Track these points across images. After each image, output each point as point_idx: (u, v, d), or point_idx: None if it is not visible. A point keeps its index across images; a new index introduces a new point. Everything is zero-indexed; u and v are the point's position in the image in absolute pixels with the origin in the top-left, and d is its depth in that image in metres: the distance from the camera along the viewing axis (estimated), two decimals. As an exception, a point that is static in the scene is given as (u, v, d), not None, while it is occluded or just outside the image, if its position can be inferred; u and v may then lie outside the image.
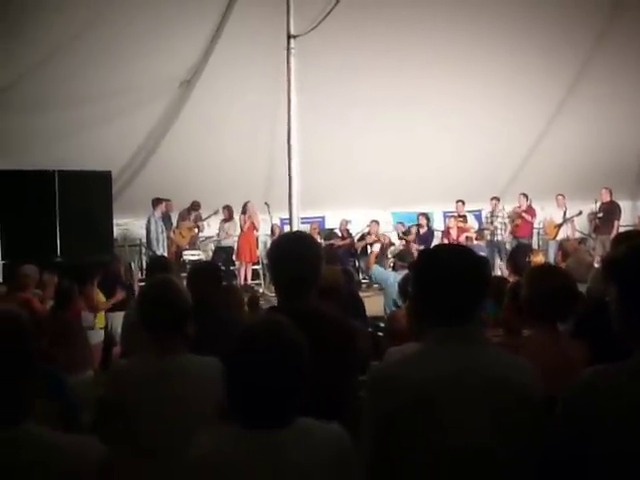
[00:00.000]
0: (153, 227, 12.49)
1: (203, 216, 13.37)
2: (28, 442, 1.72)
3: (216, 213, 13.33)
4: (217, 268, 5.25)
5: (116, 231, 12.20)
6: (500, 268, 12.41)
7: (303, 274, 2.62)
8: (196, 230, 13.39)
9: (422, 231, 14.16)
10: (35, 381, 1.82)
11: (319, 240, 11.48)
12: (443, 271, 2.13)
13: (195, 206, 13.38)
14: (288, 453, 1.84)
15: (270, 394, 1.84)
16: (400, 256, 7.76)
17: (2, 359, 1.72)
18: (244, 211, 13.20)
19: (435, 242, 13.26)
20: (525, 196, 14.16)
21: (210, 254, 13.72)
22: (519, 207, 14.16)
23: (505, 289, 3.70)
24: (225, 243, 13.57)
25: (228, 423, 1.92)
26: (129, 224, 13.91)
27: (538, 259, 6.11)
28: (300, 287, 2.62)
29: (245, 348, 1.88)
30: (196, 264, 5.43)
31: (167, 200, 12.93)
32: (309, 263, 2.64)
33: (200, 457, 1.88)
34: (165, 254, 11.75)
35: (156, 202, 12.64)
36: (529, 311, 2.99)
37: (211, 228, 14.05)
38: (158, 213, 12.66)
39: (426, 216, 14.36)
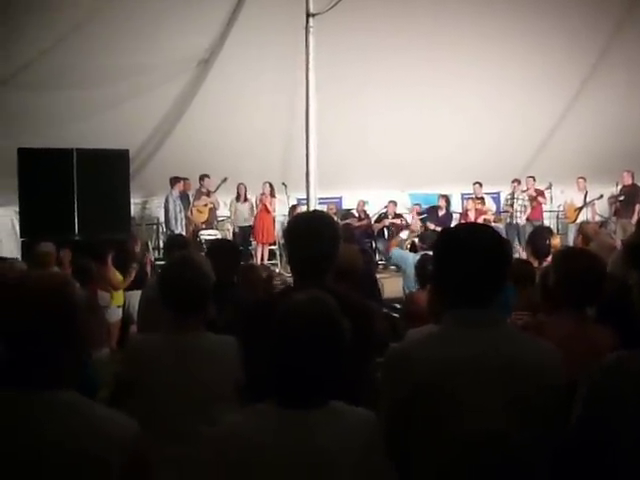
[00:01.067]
0: (171, 206, 12.52)
1: (213, 188, 13.29)
2: (64, 408, 1.71)
3: (224, 181, 13.25)
4: (235, 246, 5.23)
5: (133, 210, 12.21)
6: (519, 251, 12.31)
7: (320, 253, 2.57)
8: (212, 205, 13.34)
9: (441, 213, 14.09)
10: (78, 355, 1.81)
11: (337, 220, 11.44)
12: (462, 247, 2.09)
13: (203, 177, 13.14)
14: (317, 436, 1.80)
15: (309, 373, 1.81)
16: (421, 237, 7.71)
17: (47, 322, 1.71)
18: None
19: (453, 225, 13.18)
20: (533, 179, 14.08)
21: (226, 234, 13.72)
22: (527, 189, 14.07)
23: (529, 271, 3.64)
24: (244, 223, 13.58)
25: (255, 402, 1.89)
26: (146, 203, 13.94)
27: (556, 242, 6.03)
28: (317, 266, 2.57)
29: (287, 325, 1.84)
30: (214, 242, 5.40)
31: (185, 179, 12.93)
32: (326, 242, 2.59)
33: (226, 436, 1.85)
34: (183, 233, 11.75)
35: (174, 181, 12.66)
36: (556, 295, 2.92)
37: (228, 207, 14.04)
38: (176, 192, 12.69)
39: (446, 198, 14.27)
